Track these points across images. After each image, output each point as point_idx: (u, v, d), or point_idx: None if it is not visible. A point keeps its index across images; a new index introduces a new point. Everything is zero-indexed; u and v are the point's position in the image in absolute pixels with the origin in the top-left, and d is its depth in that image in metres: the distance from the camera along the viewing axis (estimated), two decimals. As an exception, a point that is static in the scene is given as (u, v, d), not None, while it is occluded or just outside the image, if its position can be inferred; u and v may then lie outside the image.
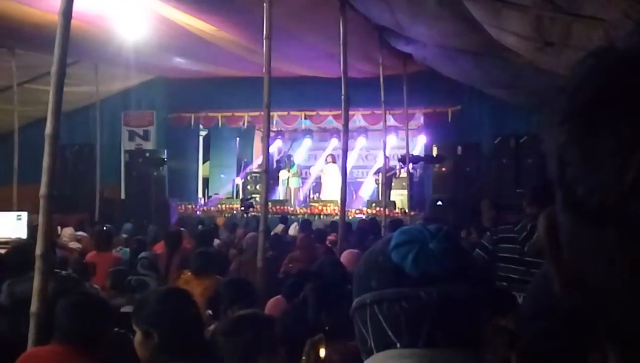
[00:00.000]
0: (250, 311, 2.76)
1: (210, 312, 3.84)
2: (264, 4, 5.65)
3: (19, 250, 5.04)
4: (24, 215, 8.78)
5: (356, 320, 1.07)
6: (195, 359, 2.28)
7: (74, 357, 2.47)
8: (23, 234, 8.33)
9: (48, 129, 3.38)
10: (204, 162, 14.99)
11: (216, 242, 7.82)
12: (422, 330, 1.00)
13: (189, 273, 5.08)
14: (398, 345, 1.00)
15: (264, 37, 5.71)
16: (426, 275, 1.01)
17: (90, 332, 2.54)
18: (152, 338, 2.24)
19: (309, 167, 14.94)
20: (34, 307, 3.12)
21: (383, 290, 1.02)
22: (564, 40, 6.09)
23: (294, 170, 14.27)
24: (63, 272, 4.32)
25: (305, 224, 10.11)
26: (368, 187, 14.34)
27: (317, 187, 14.28)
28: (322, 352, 1.83)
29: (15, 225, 8.86)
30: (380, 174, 12.74)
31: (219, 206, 13.63)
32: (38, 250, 3.25)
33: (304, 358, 1.82)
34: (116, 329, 2.83)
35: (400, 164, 12.83)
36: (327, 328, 2.95)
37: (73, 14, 3.54)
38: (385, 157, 11.60)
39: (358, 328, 1.06)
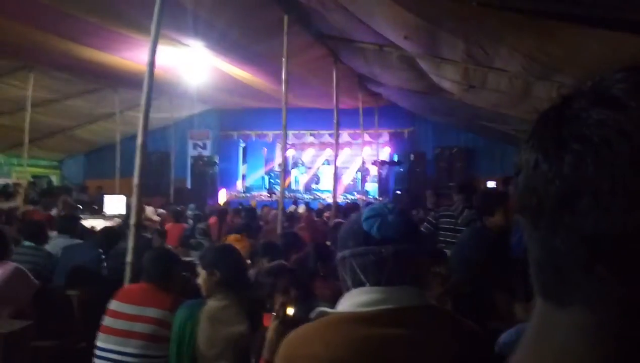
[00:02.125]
0: (278, 262, 2.73)
1: (249, 261, 3.84)
2: (283, 59, 5.63)
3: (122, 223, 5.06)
4: (124, 198, 8.78)
5: (339, 268, 1.07)
6: (241, 290, 2.27)
7: (154, 290, 2.47)
8: (123, 210, 8.35)
9: (139, 140, 3.37)
10: (242, 164, 14.91)
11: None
12: (383, 274, 1.00)
13: (233, 236, 5.08)
14: (367, 284, 1.01)
15: (283, 80, 5.70)
16: (386, 237, 1.02)
17: (165, 274, 2.53)
18: (215, 275, 2.23)
19: (312, 168, 14.87)
20: (129, 257, 3.13)
21: (357, 248, 1.03)
22: (482, 84, 6.06)
23: (302, 169, 14.24)
24: (148, 235, 4.31)
25: (309, 205, 10.10)
26: (351, 181, 14.28)
27: (317, 180, 14.22)
28: (290, 311, 1.70)
29: (118, 204, 8.88)
30: (359, 172, 12.72)
31: (252, 193, 13.61)
32: (132, 221, 3.26)
33: (274, 314, 1.74)
34: (183, 273, 2.82)
35: (373, 166, 12.80)
36: (321, 273, 2.95)
37: (156, 65, 3.54)
38: (363, 162, 11.59)
39: (340, 273, 1.06)
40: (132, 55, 7.12)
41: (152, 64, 3.48)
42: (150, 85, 3.46)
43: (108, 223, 6.15)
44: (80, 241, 4.37)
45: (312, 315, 1.03)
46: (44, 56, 7.34)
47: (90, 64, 7.70)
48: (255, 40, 6.50)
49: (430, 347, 0.94)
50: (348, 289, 1.04)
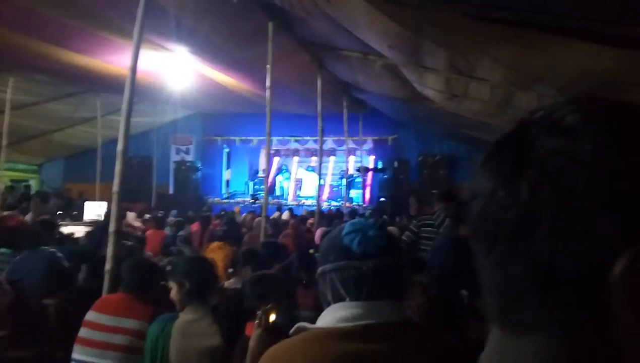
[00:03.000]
0: (263, 272, 2.71)
1: (231, 269, 3.80)
2: (267, 66, 5.62)
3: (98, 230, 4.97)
4: (104, 204, 8.64)
5: (320, 282, 1.06)
6: (210, 299, 2.25)
7: (133, 300, 2.42)
8: (103, 212, 8.23)
9: (119, 146, 3.32)
10: (226, 169, 14.83)
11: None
12: (363, 289, 1.00)
13: (215, 244, 5.04)
14: (347, 299, 1.00)
15: (267, 87, 5.69)
16: (366, 252, 1.01)
17: (144, 284, 2.49)
18: (184, 287, 2.20)
19: (296, 174, 14.85)
20: (108, 266, 3.07)
21: (338, 262, 1.03)
22: (464, 93, 6.13)
23: (286, 175, 14.19)
24: (128, 243, 4.25)
25: (293, 212, 10.07)
26: (335, 188, 14.28)
27: (301, 187, 14.20)
28: (272, 317, 1.70)
29: (99, 210, 8.74)
30: (344, 179, 12.74)
31: (236, 199, 13.52)
32: (111, 228, 3.20)
33: (257, 321, 1.73)
34: (162, 282, 2.78)
35: (357, 172, 12.83)
36: (304, 281, 2.94)
37: (138, 70, 3.50)
38: (347, 169, 11.61)
39: (321, 287, 1.06)
40: (115, 59, 7.03)
41: (134, 68, 3.44)
42: (132, 90, 3.42)
43: (88, 230, 6.03)
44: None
45: (292, 331, 1.01)
46: (23, 59, 7.20)
47: (72, 67, 7.58)
48: (240, 46, 6.48)
49: (411, 362, 0.94)
50: (328, 304, 1.04)
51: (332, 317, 1.00)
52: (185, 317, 2.16)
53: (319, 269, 1.06)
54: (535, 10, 3.17)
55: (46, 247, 3.93)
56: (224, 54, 6.78)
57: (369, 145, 13.40)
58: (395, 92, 8.01)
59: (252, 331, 1.75)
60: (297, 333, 1.01)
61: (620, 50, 3.39)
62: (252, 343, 1.66)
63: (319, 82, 7.46)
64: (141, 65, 3.53)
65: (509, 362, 0.39)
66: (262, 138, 11.93)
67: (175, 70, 7.69)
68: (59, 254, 3.81)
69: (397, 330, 0.98)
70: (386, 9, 3.99)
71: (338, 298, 1.01)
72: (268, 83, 5.66)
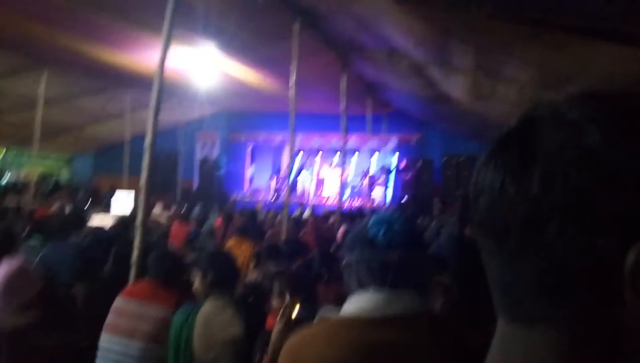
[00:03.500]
0: (284, 268, 2.74)
1: (253, 264, 3.84)
2: (292, 63, 5.66)
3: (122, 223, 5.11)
4: (132, 193, 8.92)
5: (345, 273, 1.09)
6: (232, 291, 2.31)
7: (159, 288, 2.50)
8: (131, 206, 8.48)
9: (147, 141, 3.40)
10: (250, 166, 14.96)
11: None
12: (386, 280, 1.02)
13: (233, 238, 5.11)
14: (371, 289, 1.03)
15: (291, 85, 5.73)
16: (391, 244, 1.04)
17: (169, 273, 2.57)
18: (208, 277, 2.26)
19: (319, 172, 14.88)
20: (134, 257, 3.16)
21: (363, 253, 1.06)
22: (491, 94, 6.06)
23: (309, 173, 14.24)
24: (154, 237, 4.34)
25: (315, 210, 10.09)
26: (357, 187, 14.25)
27: (324, 185, 14.22)
28: (295, 312, 1.72)
29: (125, 200, 9.02)
30: (366, 178, 12.72)
31: (259, 195, 13.65)
32: (138, 221, 3.28)
33: (279, 315, 1.75)
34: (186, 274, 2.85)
35: (380, 172, 12.79)
36: (325, 277, 2.96)
37: (166, 68, 3.57)
38: (370, 168, 11.59)
39: (346, 277, 1.09)
40: (144, 56, 7.18)
41: (162, 63, 3.51)
42: (161, 85, 3.49)
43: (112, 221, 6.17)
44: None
45: (315, 320, 1.05)
46: (57, 54, 7.43)
47: (102, 63, 7.79)
48: (265, 43, 6.54)
49: (430, 353, 0.96)
50: (353, 293, 1.07)
51: (355, 305, 1.03)
52: (208, 307, 2.22)
53: (345, 260, 1.09)
54: (563, 10, 3.12)
55: (74, 238, 4.06)
56: (249, 50, 6.86)
57: (392, 144, 13.34)
58: (420, 91, 7.97)
59: (274, 325, 1.78)
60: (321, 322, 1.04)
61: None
62: (274, 336, 1.69)
63: (343, 81, 7.47)
64: (170, 62, 3.61)
65: (519, 354, 0.40)
66: (285, 135, 12.05)
67: (202, 68, 7.80)
68: (86, 244, 3.93)
69: (419, 322, 1.00)
70: (413, 8, 3.99)
71: (363, 287, 1.05)
72: (292, 81, 5.70)
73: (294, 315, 1.69)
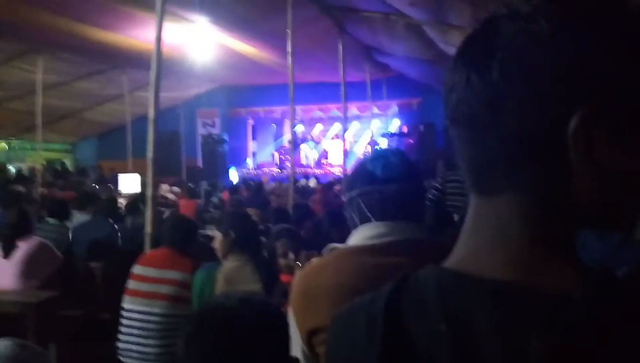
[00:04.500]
0: (282, 226, 2.83)
1: (261, 227, 3.95)
2: (288, 32, 5.64)
3: (135, 198, 5.20)
4: (138, 176, 8.96)
5: (347, 207, 1.15)
6: (254, 250, 2.39)
7: (176, 255, 2.59)
8: (138, 189, 8.52)
9: (150, 115, 3.42)
10: (252, 141, 14.99)
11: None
12: (387, 211, 1.08)
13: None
14: (373, 220, 1.09)
15: (288, 54, 5.72)
16: (389, 177, 1.09)
17: (185, 239, 2.65)
18: (230, 236, 2.35)
19: (321, 142, 14.90)
20: (147, 228, 3.24)
21: (363, 187, 1.11)
22: (489, 50, 6.01)
23: (311, 144, 14.28)
24: (164, 210, 4.43)
25: (319, 179, 10.19)
26: (360, 154, 14.27)
27: (327, 154, 14.27)
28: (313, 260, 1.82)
29: (132, 183, 9.08)
30: (369, 145, 12.73)
31: (263, 169, 13.74)
32: (148, 193, 3.35)
33: (298, 263, 1.82)
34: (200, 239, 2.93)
35: (382, 138, 12.80)
36: (334, 238, 3.05)
37: (163, 43, 3.57)
38: (372, 135, 11.60)
39: (349, 212, 1.15)
40: (139, 34, 7.15)
41: (159, 39, 3.52)
42: (159, 61, 3.50)
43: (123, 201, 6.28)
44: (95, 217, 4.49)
45: (324, 250, 1.11)
46: (50, 38, 7.39)
47: (97, 44, 7.74)
48: (261, 14, 6.48)
49: None
50: (356, 226, 1.12)
51: (360, 236, 1.09)
52: (229, 264, 2.31)
53: (347, 195, 1.15)
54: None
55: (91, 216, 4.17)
56: (244, 22, 6.80)
57: (393, 109, 13.30)
58: (419, 53, 7.91)
59: (290, 278, 1.87)
60: (330, 252, 1.11)
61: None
62: (294, 283, 1.78)
63: (340, 47, 7.42)
64: (165, 39, 3.60)
65: (488, 222, 0.46)
66: (285, 108, 12.02)
67: (197, 42, 7.76)
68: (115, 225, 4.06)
69: (421, 246, 1.06)
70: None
71: (365, 221, 1.10)
72: (289, 50, 5.68)
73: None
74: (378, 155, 1.13)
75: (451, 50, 6.86)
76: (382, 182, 1.09)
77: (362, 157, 13.75)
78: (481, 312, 0.42)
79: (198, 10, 6.13)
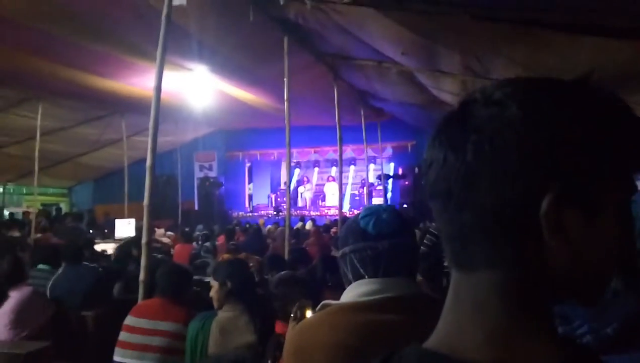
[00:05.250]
0: (287, 272, 2.79)
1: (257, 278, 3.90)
2: (285, 79, 5.76)
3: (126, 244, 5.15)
4: (132, 221, 8.89)
5: (340, 263, 1.15)
6: (250, 300, 2.34)
7: (169, 305, 2.54)
8: (132, 233, 8.44)
9: (148, 162, 3.43)
10: (248, 183, 15.03)
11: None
12: (380, 267, 1.08)
13: (241, 255, 5.15)
14: (366, 276, 1.09)
15: (285, 100, 5.82)
16: (381, 233, 1.10)
17: (178, 289, 2.61)
18: (226, 286, 2.31)
19: (317, 185, 14.96)
20: (142, 276, 3.19)
21: (356, 244, 1.12)
22: (480, 95, 6.13)
23: (307, 186, 14.33)
24: (158, 256, 4.39)
25: (316, 222, 10.16)
26: (356, 196, 14.34)
27: (323, 197, 14.29)
28: (308, 313, 1.79)
29: (128, 227, 8.99)
30: (365, 187, 12.78)
31: (260, 212, 13.71)
32: (143, 240, 3.32)
33: (292, 316, 1.80)
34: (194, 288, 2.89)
35: (378, 180, 12.86)
36: (329, 283, 3.01)
37: (162, 90, 3.64)
38: (367, 177, 11.67)
39: (342, 269, 1.15)
40: (138, 81, 7.30)
41: (158, 88, 3.59)
42: (157, 110, 3.55)
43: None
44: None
45: (318, 308, 1.11)
46: (51, 85, 7.52)
47: (97, 91, 7.88)
48: (258, 62, 6.65)
49: (425, 332, 1.01)
50: (349, 283, 1.12)
51: (353, 293, 1.09)
52: (224, 314, 2.27)
53: (340, 252, 1.15)
54: (543, 7, 3.22)
55: (86, 263, 4.11)
56: (242, 70, 6.97)
57: (388, 152, 13.44)
58: (412, 98, 8.07)
59: (286, 327, 1.83)
60: (323, 309, 1.10)
61: (632, 42, 3.41)
62: (288, 336, 1.73)
63: (335, 92, 7.58)
64: (163, 85, 3.68)
65: (467, 297, 0.47)
66: (282, 150, 12.14)
67: (196, 89, 7.91)
68: (100, 269, 3.97)
69: (414, 303, 1.06)
70: (397, 17, 4.10)
71: (358, 277, 1.10)
72: (286, 96, 5.79)
73: (306, 315, 1.73)
74: (370, 212, 1.14)
75: (443, 95, 7.02)
76: (374, 238, 1.09)
77: (357, 198, 13.86)
78: None
79: (197, 59, 6.28)
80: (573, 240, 0.43)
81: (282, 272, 2.76)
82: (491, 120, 0.45)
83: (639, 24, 3.23)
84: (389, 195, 13.12)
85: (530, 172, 0.43)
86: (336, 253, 1.07)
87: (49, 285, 3.72)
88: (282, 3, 4.54)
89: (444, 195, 0.47)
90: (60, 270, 3.86)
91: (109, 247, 6.40)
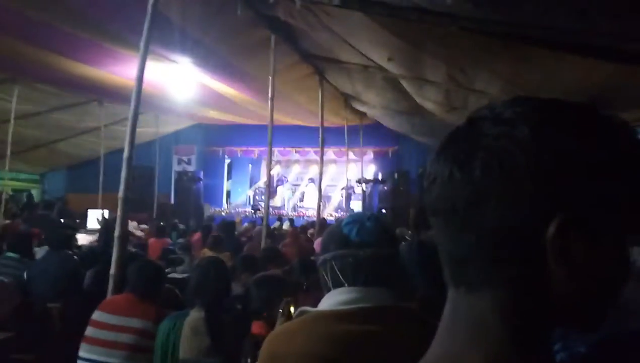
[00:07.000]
0: (269, 273, 2.76)
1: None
2: (270, 77, 5.73)
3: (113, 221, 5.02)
4: (106, 212, 8.71)
5: (320, 270, 1.13)
6: (209, 301, 2.29)
7: (139, 301, 2.48)
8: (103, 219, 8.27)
9: (125, 153, 3.37)
10: (227, 180, 14.90)
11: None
12: (360, 275, 1.07)
13: (205, 250, 5.11)
14: (346, 284, 1.08)
15: (269, 98, 5.79)
16: (363, 241, 1.09)
17: (149, 285, 2.55)
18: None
19: (297, 185, 14.92)
20: (113, 270, 3.13)
21: (337, 250, 1.10)
22: (463, 105, 6.22)
23: (287, 186, 14.29)
24: (132, 249, 4.30)
25: (294, 222, 10.12)
26: (335, 199, 14.38)
27: (302, 197, 14.27)
28: (292, 309, 1.78)
29: (99, 217, 8.80)
30: (344, 190, 12.81)
31: (237, 209, 13.60)
32: (117, 233, 3.25)
33: (280, 311, 1.79)
34: (166, 285, 2.84)
35: (357, 184, 12.90)
36: (305, 286, 2.99)
37: (144, 81, 3.58)
38: (347, 180, 11.69)
39: (322, 275, 1.13)
40: (119, 70, 7.15)
41: (140, 79, 3.53)
42: (138, 100, 3.49)
43: (90, 238, 6.10)
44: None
45: (295, 314, 1.09)
46: (29, 69, 7.33)
47: (76, 78, 7.70)
48: (242, 58, 6.59)
49: (400, 343, 1.00)
50: (329, 289, 1.11)
51: (332, 300, 1.07)
52: (196, 314, 2.23)
53: (320, 258, 1.13)
54: (531, 24, 3.27)
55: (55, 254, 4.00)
56: (226, 65, 6.89)
57: (369, 156, 13.50)
58: (395, 104, 8.12)
59: (263, 327, 1.82)
60: (300, 316, 1.08)
61: (614, 64, 3.49)
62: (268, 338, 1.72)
63: (320, 94, 7.57)
64: (145, 75, 3.62)
65: (465, 316, 0.46)
66: (263, 149, 12.08)
67: (178, 81, 7.80)
68: (75, 257, 3.88)
69: (392, 314, 1.05)
70: (386, 23, 4.10)
71: (337, 284, 1.09)
72: (270, 94, 5.75)
73: (292, 312, 1.72)
74: (354, 219, 1.13)
75: (426, 104, 7.07)
76: (356, 246, 1.08)
77: (336, 200, 13.89)
78: None
79: (181, 51, 6.19)
80: (577, 266, 0.43)
81: (263, 273, 2.74)
82: (500, 139, 0.44)
83: (622, 44, 3.30)
84: (367, 199, 13.18)
85: (538, 196, 0.43)
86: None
87: (27, 272, 3.61)
88: (271, 1, 4.51)
89: (448, 212, 0.46)
90: (43, 255, 3.76)
91: (80, 238, 6.24)
